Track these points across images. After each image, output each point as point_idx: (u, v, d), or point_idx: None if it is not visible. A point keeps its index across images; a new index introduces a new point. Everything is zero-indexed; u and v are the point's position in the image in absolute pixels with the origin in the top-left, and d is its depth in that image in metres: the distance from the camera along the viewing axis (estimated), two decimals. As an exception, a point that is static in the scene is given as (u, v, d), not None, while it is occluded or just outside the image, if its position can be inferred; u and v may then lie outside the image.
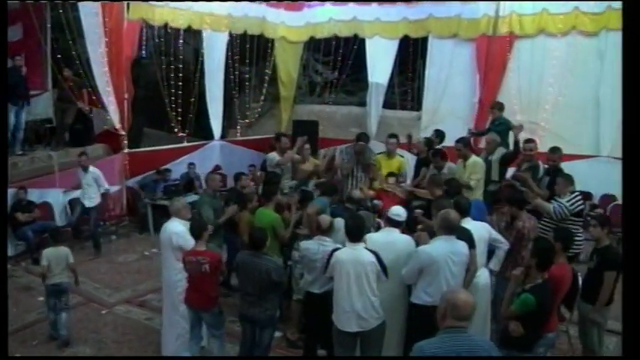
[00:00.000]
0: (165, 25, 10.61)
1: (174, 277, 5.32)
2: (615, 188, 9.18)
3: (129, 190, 10.05)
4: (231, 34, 11.79)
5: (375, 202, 6.92)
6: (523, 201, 5.63)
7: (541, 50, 10.30)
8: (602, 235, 4.94)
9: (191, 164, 10.98)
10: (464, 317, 2.92)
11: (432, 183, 6.23)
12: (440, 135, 7.93)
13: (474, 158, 7.02)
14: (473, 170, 6.87)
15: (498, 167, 7.35)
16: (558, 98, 10.13)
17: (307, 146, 7.98)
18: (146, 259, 8.64)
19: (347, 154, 7.75)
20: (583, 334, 5.10)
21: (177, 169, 10.86)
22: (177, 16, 10.55)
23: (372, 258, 4.33)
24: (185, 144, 11.50)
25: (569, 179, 5.82)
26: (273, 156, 7.80)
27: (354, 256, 4.35)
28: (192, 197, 9.62)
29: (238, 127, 13.16)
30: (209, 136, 11.99)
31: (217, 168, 11.72)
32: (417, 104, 12.46)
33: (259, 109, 13.61)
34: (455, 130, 10.81)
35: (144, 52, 10.87)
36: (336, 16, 12.50)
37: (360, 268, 4.30)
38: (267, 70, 13.17)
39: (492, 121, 8.11)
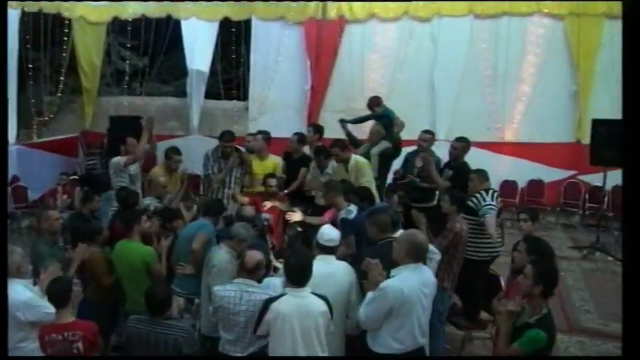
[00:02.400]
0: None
1: None
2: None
3: None
4: (23, 12, 9.54)
5: (265, 216, 5.88)
6: (464, 200, 5.06)
7: (372, 35, 10.31)
8: (532, 230, 4.83)
9: (-16, 178, 8.64)
10: None
11: (330, 190, 5.24)
12: (319, 130, 7.22)
13: (354, 159, 6.28)
14: (358, 173, 6.12)
15: (378, 162, 6.87)
16: (392, 84, 10.27)
17: (178, 157, 6.54)
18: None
19: (216, 158, 6.61)
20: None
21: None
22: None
23: (323, 307, 3.45)
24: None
25: (484, 175, 5.39)
26: (118, 160, 6.39)
27: (300, 306, 3.41)
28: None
29: (34, 127, 10.89)
30: (0, 140, 9.57)
31: (16, 179, 9.52)
32: (243, 93, 11.71)
33: (57, 104, 11.43)
34: (286, 121, 10.42)
35: None
36: (144, -6, 10.96)
37: (309, 321, 3.40)
38: (64, 55, 11.05)
39: (373, 113, 7.67)
